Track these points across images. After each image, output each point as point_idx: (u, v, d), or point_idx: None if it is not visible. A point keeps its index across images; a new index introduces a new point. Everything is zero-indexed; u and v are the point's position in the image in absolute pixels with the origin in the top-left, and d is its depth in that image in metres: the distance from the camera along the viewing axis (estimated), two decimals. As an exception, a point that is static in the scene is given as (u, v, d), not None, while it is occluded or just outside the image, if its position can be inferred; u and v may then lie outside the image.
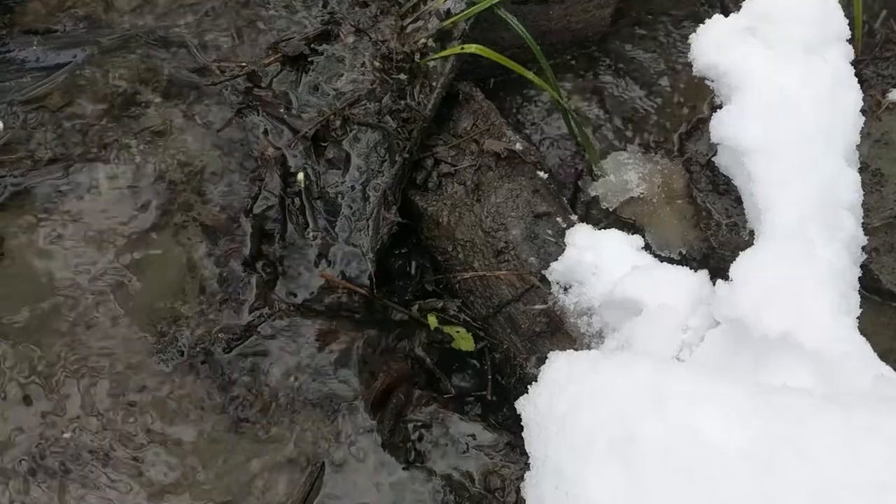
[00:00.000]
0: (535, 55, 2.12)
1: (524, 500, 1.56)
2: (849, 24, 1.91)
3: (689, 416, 1.29)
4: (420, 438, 1.94)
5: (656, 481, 1.25)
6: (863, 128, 1.88)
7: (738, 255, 1.72)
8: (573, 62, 2.41)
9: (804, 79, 1.76)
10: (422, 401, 2.00)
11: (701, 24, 1.97)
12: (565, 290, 1.95)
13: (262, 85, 2.20)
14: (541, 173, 2.11)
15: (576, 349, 1.83)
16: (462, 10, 2.15)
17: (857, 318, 1.66)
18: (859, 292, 1.72)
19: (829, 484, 1.19)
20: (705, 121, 2.27)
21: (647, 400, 1.34)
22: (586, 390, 1.43)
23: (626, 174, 2.23)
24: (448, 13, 2.17)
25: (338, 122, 2.13)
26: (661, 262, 1.97)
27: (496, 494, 1.86)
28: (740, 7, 1.95)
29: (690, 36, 1.97)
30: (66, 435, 1.86)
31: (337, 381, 1.96)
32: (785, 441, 1.24)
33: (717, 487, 1.22)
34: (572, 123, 2.20)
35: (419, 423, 1.96)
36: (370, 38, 2.20)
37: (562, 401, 1.45)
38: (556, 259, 1.97)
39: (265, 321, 1.98)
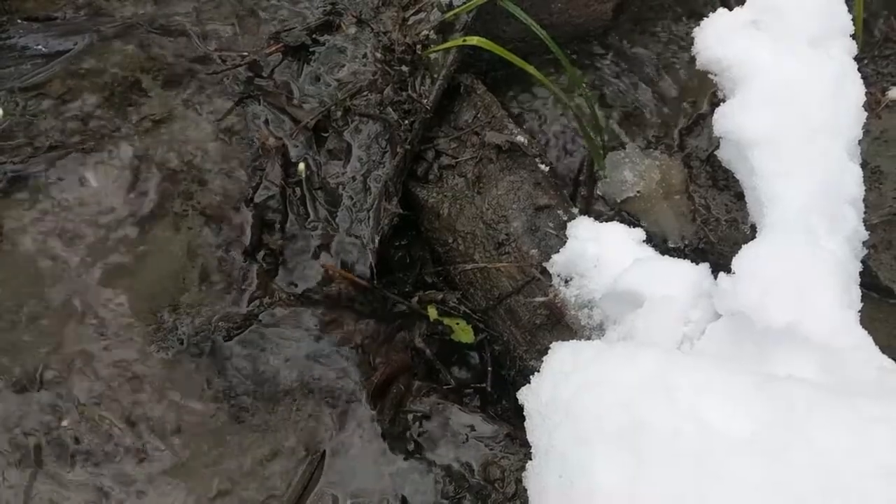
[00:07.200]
0: (536, 48, 2.12)
1: (524, 491, 1.55)
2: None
3: (697, 403, 1.29)
4: (420, 429, 1.94)
5: (664, 467, 1.25)
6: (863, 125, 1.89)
7: (738, 250, 1.72)
8: (574, 56, 2.41)
9: (809, 72, 1.76)
10: (421, 392, 2.00)
11: (703, 19, 1.97)
12: (566, 282, 1.96)
13: (264, 75, 2.20)
14: (542, 166, 2.12)
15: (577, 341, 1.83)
16: (464, 2, 2.15)
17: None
18: (855, 288, 1.73)
19: (837, 470, 1.19)
20: (706, 116, 2.28)
21: (653, 388, 1.34)
22: (591, 379, 1.43)
23: (622, 174, 2.23)
24: (450, 5, 2.17)
25: (339, 113, 2.13)
26: (663, 255, 1.97)
27: (496, 485, 1.86)
28: (743, 1, 1.95)
29: (694, 30, 1.96)
30: (65, 423, 1.85)
31: (337, 370, 1.96)
32: (792, 428, 1.24)
33: (725, 473, 1.23)
34: (591, 107, 2.19)
35: (419, 414, 1.96)
36: (372, 29, 2.20)
37: (566, 389, 1.45)
38: (557, 251, 1.98)
39: (266, 310, 1.98)
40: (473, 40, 2.08)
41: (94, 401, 1.86)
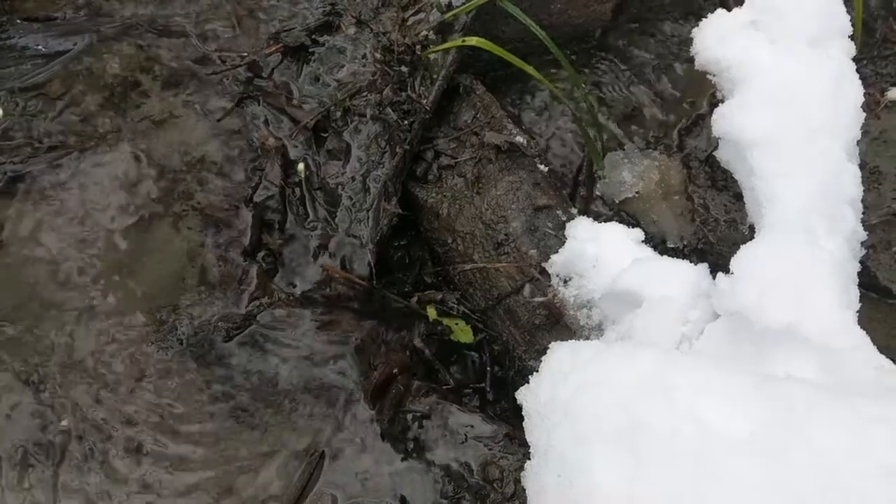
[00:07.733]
0: (536, 49, 2.12)
1: (523, 491, 1.56)
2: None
3: (695, 403, 1.30)
4: (419, 429, 1.94)
5: (663, 467, 1.25)
6: (861, 125, 1.89)
7: (737, 250, 1.72)
8: (573, 57, 2.41)
9: (809, 73, 1.76)
10: (420, 391, 2.00)
11: (703, 19, 1.97)
12: (565, 282, 1.96)
13: (263, 75, 2.20)
14: (541, 166, 2.12)
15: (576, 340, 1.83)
16: (463, 3, 2.15)
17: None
18: (854, 289, 1.73)
19: (836, 470, 1.19)
20: (705, 117, 2.28)
21: (652, 388, 1.34)
22: (590, 379, 1.43)
23: (621, 174, 2.23)
24: (449, 6, 2.17)
25: (338, 113, 2.13)
26: (662, 255, 1.97)
27: (495, 485, 1.86)
28: (742, 2, 1.95)
29: (693, 30, 1.97)
30: (64, 422, 1.85)
31: (336, 371, 1.96)
32: (791, 428, 1.24)
33: (723, 474, 1.23)
34: (590, 107, 2.19)
35: (418, 414, 1.96)
36: (371, 29, 2.20)
37: (565, 389, 1.45)
38: (556, 252, 1.98)
39: (265, 311, 1.98)
40: (472, 41, 2.08)
41: (92, 400, 1.86)
